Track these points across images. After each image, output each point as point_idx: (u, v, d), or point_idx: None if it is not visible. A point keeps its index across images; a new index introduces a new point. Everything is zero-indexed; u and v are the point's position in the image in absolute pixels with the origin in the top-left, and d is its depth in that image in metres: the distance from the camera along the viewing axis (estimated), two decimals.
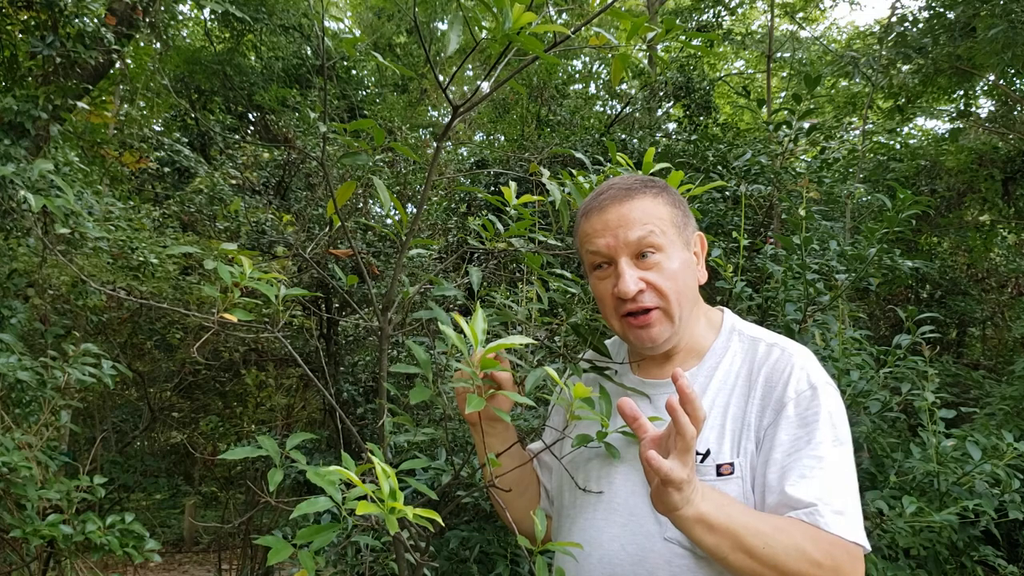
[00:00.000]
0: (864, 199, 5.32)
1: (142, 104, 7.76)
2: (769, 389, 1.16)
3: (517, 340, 1.14)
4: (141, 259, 4.22)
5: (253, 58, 9.13)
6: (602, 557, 1.19)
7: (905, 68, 6.76)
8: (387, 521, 0.91)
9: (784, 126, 3.39)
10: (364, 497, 0.93)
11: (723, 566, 1.06)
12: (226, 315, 1.24)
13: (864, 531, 1.09)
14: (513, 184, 1.58)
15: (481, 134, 10.41)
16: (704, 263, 1.30)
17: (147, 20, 4.82)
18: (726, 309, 1.33)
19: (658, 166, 1.58)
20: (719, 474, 1.13)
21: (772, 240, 3.42)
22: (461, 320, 1.17)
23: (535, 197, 1.57)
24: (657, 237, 1.19)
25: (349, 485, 1.00)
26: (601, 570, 1.18)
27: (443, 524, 0.95)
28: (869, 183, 6.23)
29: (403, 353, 4.42)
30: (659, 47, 7.94)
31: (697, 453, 1.15)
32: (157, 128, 8.07)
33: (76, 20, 4.11)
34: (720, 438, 1.15)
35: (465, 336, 1.16)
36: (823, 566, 1.02)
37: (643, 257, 1.19)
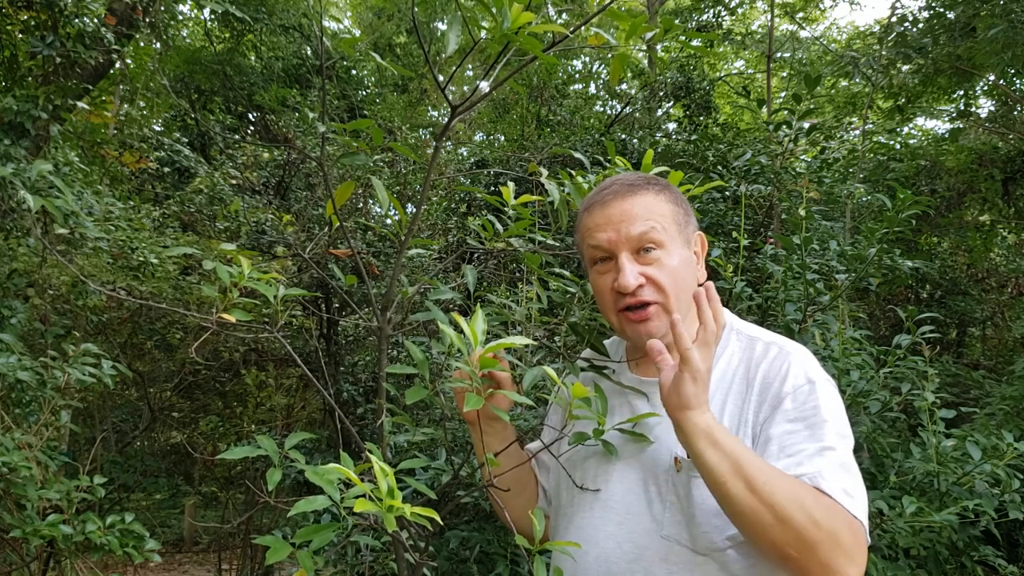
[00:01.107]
0: (864, 199, 5.32)
1: (142, 104, 7.76)
2: (766, 386, 1.15)
3: (516, 340, 1.14)
4: (141, 259, 4.23)
5: (253, 58, 9.12)
6: (599, 555, 1.18)
7: (905, 68, 6.76)
8: (385, 519, 0.91)
9: (784, 126, 3.39)
10: (363, 496, 0.93)
11: (720, 496, 1.02)
12: (224, 315, 1.24)
13: (867, 516, 1.05)
14: (511, 184, 1.58)
15: (481, 134, 10.41)
16: (704, 263, 1.30)
17: (147, 20, 4.82)
18: (724, 309, 1.33)
19: (656, 169, 1.58)
20: None
21: (772, 240, 3.42)
22: (461, 320, 1.17)
23: (534, 197, 1.57)
24: (658, 233, 1.19)
25: (348, 484, 1.00)
26: (598, 568, 1.18)
27: (442, 524, 0.95)
28: (869, 183, 6.23)
29: (403, 353, 4.42)
30: (659, 47, 7.94)
31: None
32: (157, 128, 8.07)
33: (76, 20, 4.11)
34: None
35: (465, 336, 1.16)
36: (821, 527, 0.97)
37: (644, 252, 1.20)
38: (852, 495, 1.02)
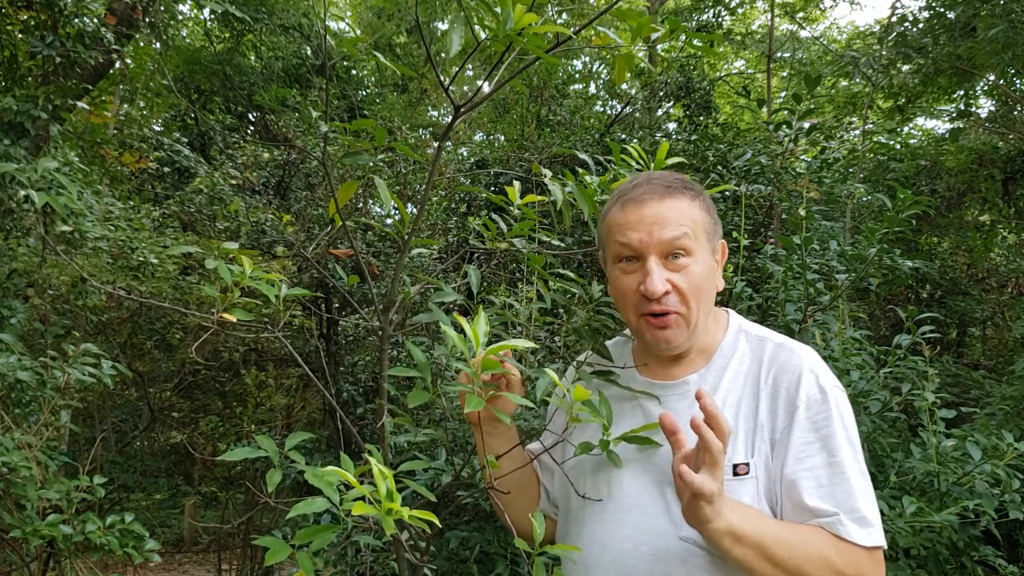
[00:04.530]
0: (864, 199, 5.32)
1: (142, 104, 7.75)
2: (779, 391, 1.16)
3: (519, 343, 1.14)
4: (141, 259, 4.22)
5: (253, 58, 9.11)
6: (615, 558, 1.18)
7: (905, 68, 6.75)
8: (383, 523, 0.90)
9: (784, 126, 3.39)
10: (361, 499, 0.93)
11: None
12: (225, 315, 1.23)
13: (882, 530, 1.12)
14: (517, 184, 1.58)
15: (481, 134, 10.40)
16: (721, 271, 1.30)
17: (147, 20, 4.82)
18: (730, 310, 1.33)
19: (670, 161, 1.58)
20: (735, 474, 1.13)
21: (772, 240, 3.42)
22: (463, 321, 1.17)
23: (538, 197, 1.57)
24: (689, 240, 1.18)
25: (348, 486, 1.00)
26: (615, 570, 1.17)
27: (440, 526, 0.95)
28: (869, 183, 6.23)
29: (403, 353, 4.42)
30: (660, 47, 7.93)
31: None
32: (157, 128, 8.06)
33: (76, 20, 4.11)
34: (733, 439, 1.16)
35: (466, 337, 1.16)
36: (846, 574, 1.06)
37: (672, 258, 1.19)
38: (869, 522, 1.09)
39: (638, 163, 1.57)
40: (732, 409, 1.18)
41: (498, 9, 1.15)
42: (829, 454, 1.11)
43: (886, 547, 1.12)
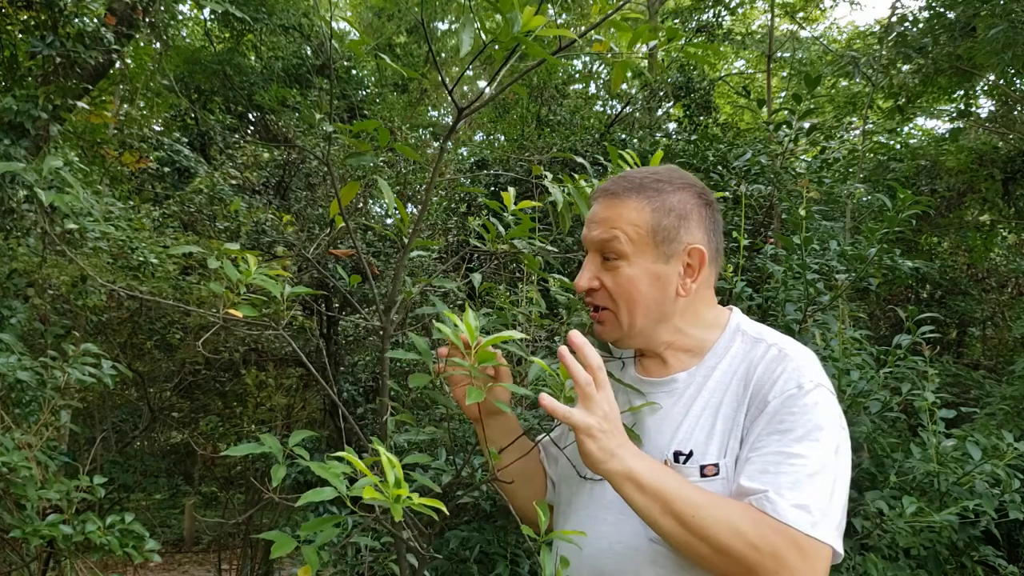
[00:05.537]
0: (864, 199, 5.33)
1: (142, 104, 7.75)
2: (759, 388, 1.14)
3: (513, 334, 1.16)
4: (141, 259, 4.22)
5: (253, 58, 9.11)
6: (591, 554, 1.19)
7: (905, 68, 6.76)
8: (392, 510, 0.91)
9: (784, 126, 3.40)
10: (371, 484, 0.93)
11: (656, 532, 1.05)
12: (232, 311, 1.24)
13: (836, 533, 1.04)
14: (511, 189, 1.58)
15: (481, 134, 10.41)
16: (700, 277, 1.23)
17: (147, 20, 4.83)
18: (735, 308, 1.31)
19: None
20: (703, 475, 1.12)
21: (772, 240, 3.43)
22: (454, 317, 1.17)
23: (534, 203, 1.58)
24: (620, 244, 1.19)
25: (353, 480, 1.01)
26: (591, 565, 1.19)
27: (448, 514, 0.96)
28: (869, 183, 6.23)
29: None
30: (659, 52, 7.94)
31: (680, 454, 1.15)
32: (157, 128, 8.06)
33: (76, 20, 4.11)
34: (708, 439, 1.15)
35: (460, 331, 1.16)
36: (760, 550, 0.99)
37: (605, 259, 1.22)
38: (809, 510, 1.01)
39: (631, 167, 1.58)
40: (712, 409, 1.17)
41: (507, 12, 1.15)
42: (783, 444, 1.06)
43: (839, 552, 1.03)
